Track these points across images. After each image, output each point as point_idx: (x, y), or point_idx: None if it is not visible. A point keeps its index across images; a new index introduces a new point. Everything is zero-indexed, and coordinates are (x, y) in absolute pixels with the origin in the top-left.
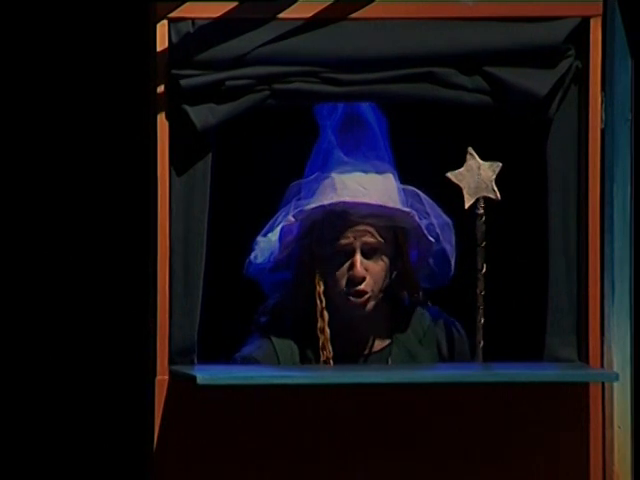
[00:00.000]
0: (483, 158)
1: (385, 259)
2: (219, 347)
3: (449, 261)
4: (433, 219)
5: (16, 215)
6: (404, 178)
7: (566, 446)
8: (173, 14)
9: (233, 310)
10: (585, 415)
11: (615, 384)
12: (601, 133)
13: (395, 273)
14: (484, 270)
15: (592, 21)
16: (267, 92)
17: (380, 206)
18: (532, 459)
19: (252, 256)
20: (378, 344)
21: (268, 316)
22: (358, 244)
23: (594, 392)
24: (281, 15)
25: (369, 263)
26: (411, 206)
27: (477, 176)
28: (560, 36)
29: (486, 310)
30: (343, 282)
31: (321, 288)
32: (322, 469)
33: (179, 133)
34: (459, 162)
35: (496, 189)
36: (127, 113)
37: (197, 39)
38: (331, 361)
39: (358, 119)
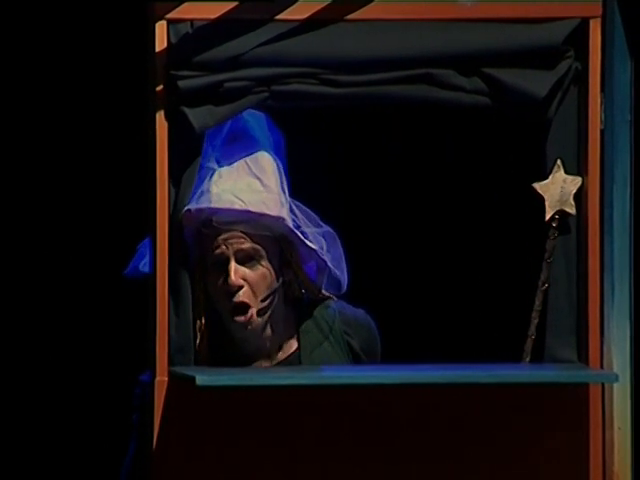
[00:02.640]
0: (483, 159)
1: (266, 265)
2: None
3: (337, 271)
4: (305, 228)
5: (15, 215)
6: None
7: (566, 447)
8: (172, 15)
9: None
10: (585, 416)
11: (615, 385)
12: (601, 134)
13: (281, 280)
14: (546, 286)
15: (591, 22)
16: (266, 93)
17: (247, 211)
18: (532, 460)
19: (141, 265)
20: (283, 353)
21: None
22: (231, 252)
23: (594, 393)
24: (280, 16)
25: (246, 271)
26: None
27: (561, 189)
28: (559, 37)
29: (486, 310)
30: (224, 296)
31: (201, 306)
32: (322, 470)
33: (177, 134)
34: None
35: (573, 204)
36: (126, 114)
37: (196, 40)
38: None
39: (241, 134)
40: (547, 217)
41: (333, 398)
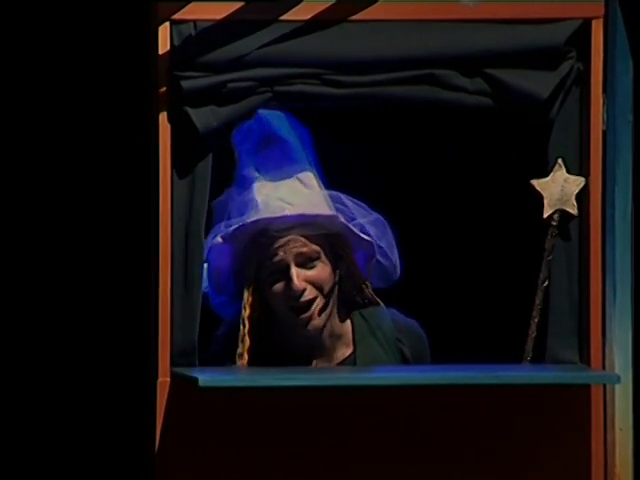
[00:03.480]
0: (485, 159)
1: (324, 261)
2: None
3: (391, 258)
4: (361, 219)
5: (18, 217)
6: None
7: (567, 448)
8: (175, 16)
9: None
10: (586, 417)
11: (616, 386)
12: (602, 135)
13: (338, 273)
14: (546, 283)
15: (594, 23)
16: (269, 94)
17: (301, 215)
18: (533, 461)
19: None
20: (340, 355)
21: (219, 345)
22: (291, 257)
23: (595, 394)
24: (283, 17)
25: (307, 273)
26: (337, 210)
27: (561, 188)
28: (561, 38)
29: (487, 311)
30: (286, 300)
31: (247, 312)
32: (323, 470)
33: (181, 135)
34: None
35: (575, 204)
36: (129, 115)
37: (199, 41)
38: None
39: (273, 138)
40: (545, 215)
41: (335, 399)
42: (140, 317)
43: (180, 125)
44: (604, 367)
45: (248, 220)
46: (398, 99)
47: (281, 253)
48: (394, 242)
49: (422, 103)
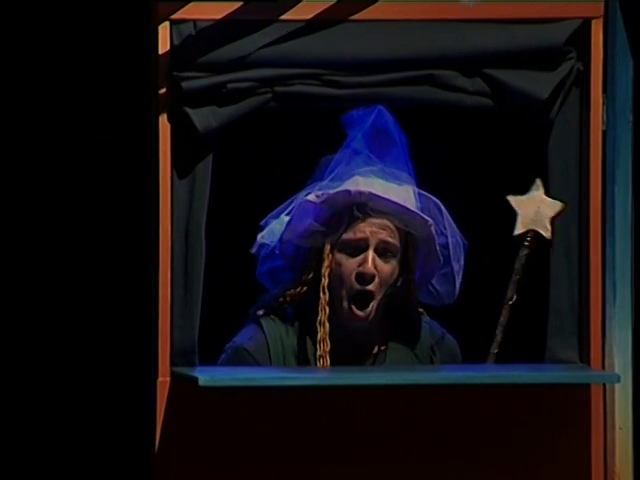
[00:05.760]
0: (484, 161)
1: (395, 263)
2: (217, 348)
3: (454, 281)
4: (449, 237)
5: (18, 217)
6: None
7: (567, 447)
8: (175, 16)
9: (231, 311)
10: (586, 416)
11: (616, 385)
12: (602, 135)
13: (400, 281)
14: (511, 303)
15: (593, 23)
16: (269, 95)
17: (403, 206)
18: (533, 460)
19: (259, 236)
20: (374, 348)
21: (265, 309)
22: (374, 241)
23: (595, 393)
24: (283, 17)
25: (380, 262)
26: (432, 217)
27: (537, 209)
28: (561, 38)
29: (487, 310)
30: (351, 277)
31: (326, 281)
32: (323, 470)
33: (181, 135)
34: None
35: (549, 228)
36: (129, 115)
37: (199, 41)
38: (327, 356)
39: (385, 132)
40: (516, 232)
41: (335, 399)
42: (140, 317)
43: (180, 125)
44: (604, 367)
45: (353, 188)
46: (398, 100)
47: (367, 233)
48: (462, 270)
49: (422, 104)
